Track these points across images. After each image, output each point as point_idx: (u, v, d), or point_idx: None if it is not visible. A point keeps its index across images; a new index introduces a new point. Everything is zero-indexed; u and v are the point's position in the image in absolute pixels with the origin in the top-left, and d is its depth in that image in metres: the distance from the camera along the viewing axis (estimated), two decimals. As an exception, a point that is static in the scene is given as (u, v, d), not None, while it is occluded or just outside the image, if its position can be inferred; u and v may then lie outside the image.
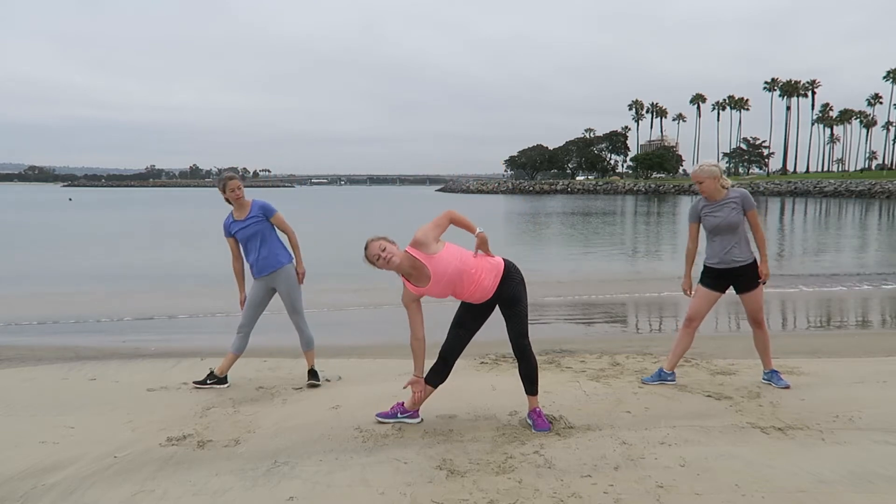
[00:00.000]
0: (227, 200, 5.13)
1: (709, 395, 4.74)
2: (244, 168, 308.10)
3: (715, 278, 4.93)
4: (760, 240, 4.87)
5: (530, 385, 4.07)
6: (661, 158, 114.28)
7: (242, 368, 5.52)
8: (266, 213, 5.13)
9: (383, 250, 3.75)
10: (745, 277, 4.86)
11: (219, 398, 4.87)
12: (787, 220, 34.14)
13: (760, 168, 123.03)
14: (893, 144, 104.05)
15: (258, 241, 5.08)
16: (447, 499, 3.10)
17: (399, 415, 4.19)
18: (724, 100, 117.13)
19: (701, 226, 4.96)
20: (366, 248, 3.82)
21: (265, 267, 5.09)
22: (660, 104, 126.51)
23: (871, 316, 9.43)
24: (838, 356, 6.25)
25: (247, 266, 5.20)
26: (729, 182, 4.86)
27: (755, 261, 4.88)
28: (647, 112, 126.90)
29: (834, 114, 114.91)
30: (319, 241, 23.34)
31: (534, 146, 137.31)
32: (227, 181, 5.09)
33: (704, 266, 5.00)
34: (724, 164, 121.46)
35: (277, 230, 5.20)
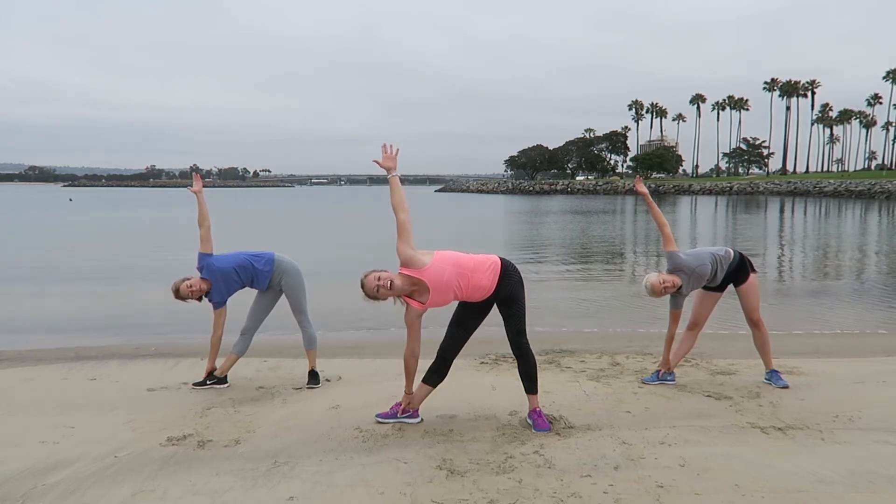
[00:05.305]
0: (199, 297, 4.95)
1: (709, 395, 4.74)
2: (244, 168, 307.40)
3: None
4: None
5: (530, 383, 4.08)
6: (661, 158, 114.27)
7: (242, 368, 5.52)
8: (202, 263, 4.93)
9: (379, 280, 3.74)
10: (736, 272, 4.93)
11: (219, 398, 4.87)
12: (787, 223, 34.13)
13: (760, 168, 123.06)
14: (893, 144, 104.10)
15: (243, 273, 5.00)
16: (447, 499, 3.10)
17: (399, 415, 4.20)
18: (724, 100, 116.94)
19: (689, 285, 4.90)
20: (362, 287, 3.80)
21: (264, 278, 5.07)
22: (660, 104, 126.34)
23: (870, 316, 9.43)
24: (838, 356, 6.25)
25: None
26: (663, 273, 4.79)
27: (741, 259, 4.94)
28: (647, 112, 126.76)
29: (834, 114, 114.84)
30: (319, 241, 23.38)
31: (534, 146, 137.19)
32: (175, 295, 4.89)
33: None
34: (724, 164, 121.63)
35: (222, 262, 4.95)
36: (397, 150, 4.07)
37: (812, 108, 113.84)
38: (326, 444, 3.84)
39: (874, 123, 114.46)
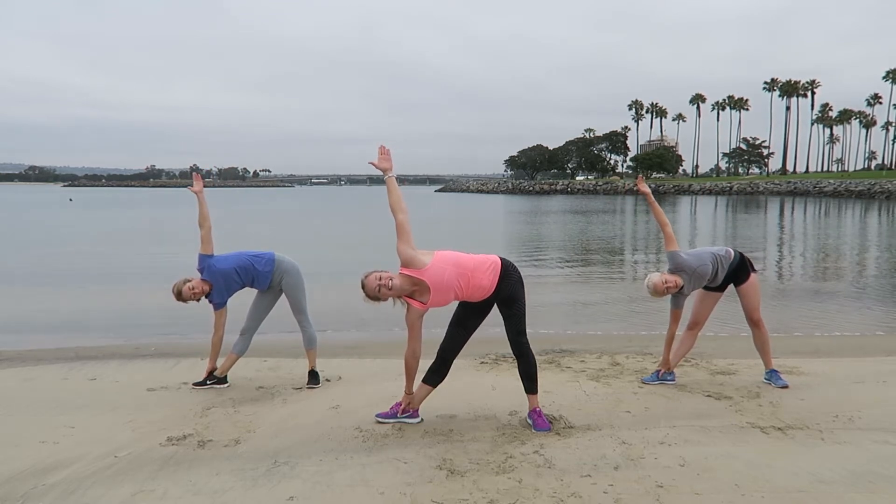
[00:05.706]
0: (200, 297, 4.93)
1: (709, 395, 4.74)
2: (244, 168, 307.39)
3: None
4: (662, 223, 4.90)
5: (530, 383, 4.08)
6: (661, 158, 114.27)
7: (242, 368, 5.52)
8: (203, 265, 4.92)
9: (380, 280, 3.75)
10: (737, 272, 4.92)
11: (219, 398, 4.87)
12: (787, 223, 34.12)
13: (760, 168, 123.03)
14: (893, 144, 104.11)
15: (244, 274, 4.99)
16: (447, 499, 3.10)
17: (399, 415, 4.20)
18: (724, 100, 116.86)
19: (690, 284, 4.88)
20: (363, 287, 3.81)
21: (265, 279, 5.07)
22: (660, 104, 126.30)
23: (870, 316, 9.43)
24: (838, 356, 6.25)
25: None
26: (665, 273, 4.77)
27: (741, 259, 4.94)
28: (647, 112, 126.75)
29: (833, 114, 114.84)
30: (319, 241, 23.38)
31: (534, 146, 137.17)
32: (177, 297, 4.86)
33: None
34: (724, 164, 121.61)
35: (223, 263, 4.94)
36: (388, 150, 4.06)
37: (812, 108, 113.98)
38: (326, 444, 3.84)
39: (874, 123, 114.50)
